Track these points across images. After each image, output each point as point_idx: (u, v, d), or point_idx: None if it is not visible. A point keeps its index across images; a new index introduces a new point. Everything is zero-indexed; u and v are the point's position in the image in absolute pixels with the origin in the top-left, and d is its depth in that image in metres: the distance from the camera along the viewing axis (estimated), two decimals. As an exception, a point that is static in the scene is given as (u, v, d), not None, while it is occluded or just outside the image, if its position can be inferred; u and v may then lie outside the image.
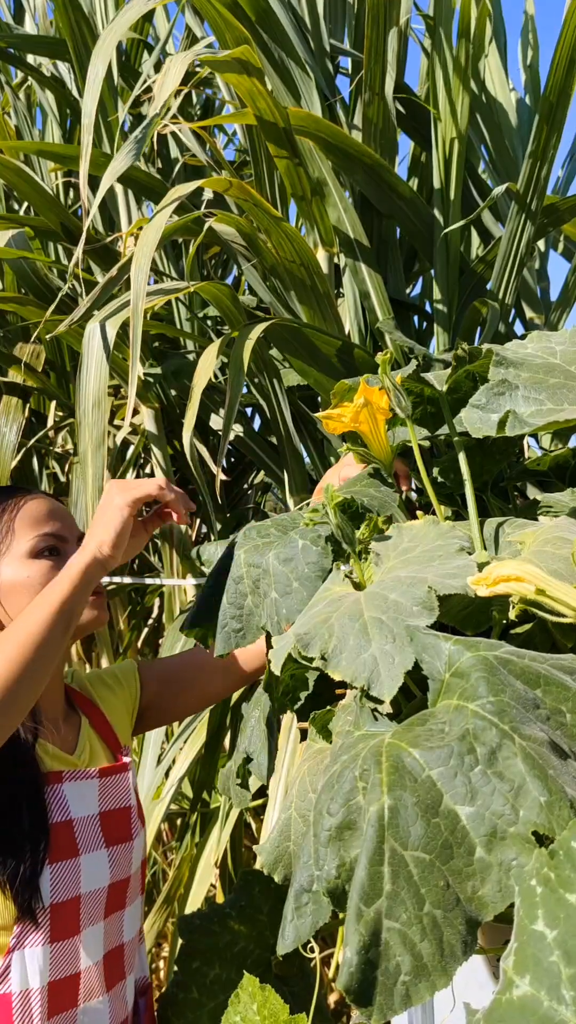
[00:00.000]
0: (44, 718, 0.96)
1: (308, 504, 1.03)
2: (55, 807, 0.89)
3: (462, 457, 0.87)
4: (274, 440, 1.71)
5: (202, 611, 0.87)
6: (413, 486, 1.07)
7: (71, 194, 2.30)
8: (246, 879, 0.99)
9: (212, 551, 0.97)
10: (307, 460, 1.62)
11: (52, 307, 1.61)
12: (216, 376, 1.83)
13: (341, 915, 0.54)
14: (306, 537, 0.82)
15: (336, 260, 1.58)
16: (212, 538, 1.90)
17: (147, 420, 1.86)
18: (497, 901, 0.49)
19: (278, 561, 0.81)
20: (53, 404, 2.21)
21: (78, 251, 1.28)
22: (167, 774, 1.74)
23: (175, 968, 0.95)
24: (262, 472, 1.97)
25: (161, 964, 2.11)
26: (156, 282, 1.87)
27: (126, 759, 1.03)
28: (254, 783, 1.66)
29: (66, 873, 0.88)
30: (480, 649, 0.59)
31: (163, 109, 1.24)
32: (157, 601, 2.29)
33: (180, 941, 0.97)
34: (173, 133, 1.87)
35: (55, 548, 0.97)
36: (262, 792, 1.83)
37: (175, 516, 0.97)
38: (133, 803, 1.00)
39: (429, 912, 0.49)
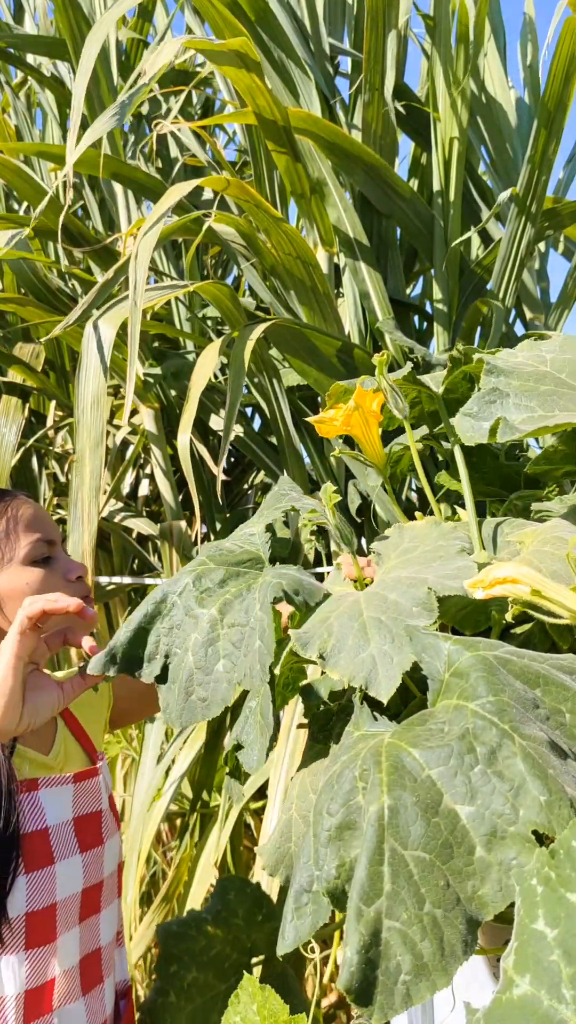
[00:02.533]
0: None
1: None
2: (30, 815, 0.89)
3: (459, 454, 0.87)
4: (274, 440, 1.71)
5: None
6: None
7: (71, 194, 2.30)
8: (222, 885, 1.01)
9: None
10: (307, 460, 1.62)
11: (51, 312, 1.61)
12: (216, 376, 1.83)
13: (340, 917, 0.54)
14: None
15: (336, 260, 1.58)
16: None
17: (147, 420, 1.86)
18: (497, 900, 0.49)
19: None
20: (53, 404, 2.21)
21: (61, 219, 1.27)
22: (167, 774, 1.74)
23: (153, 975, 0.96)
24: (262, 472, 1.97)
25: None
26: (156, 282, 1.88)
27: (100, 763, 1.04)
28: (254, 783, 1.66)
29: (42, 881, 0.88)
30: (479, 649, 0.59)
31: (162, 104, 1.24)
32: (157, 601, 2.28)
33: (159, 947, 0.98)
34: (173, 133, 1.87)
35: (47, 556, 0.98)
36: (262, 793, 1.83)
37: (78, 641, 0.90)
38: (105, 806, 1.00)
39: (429, 912, 0.49)
